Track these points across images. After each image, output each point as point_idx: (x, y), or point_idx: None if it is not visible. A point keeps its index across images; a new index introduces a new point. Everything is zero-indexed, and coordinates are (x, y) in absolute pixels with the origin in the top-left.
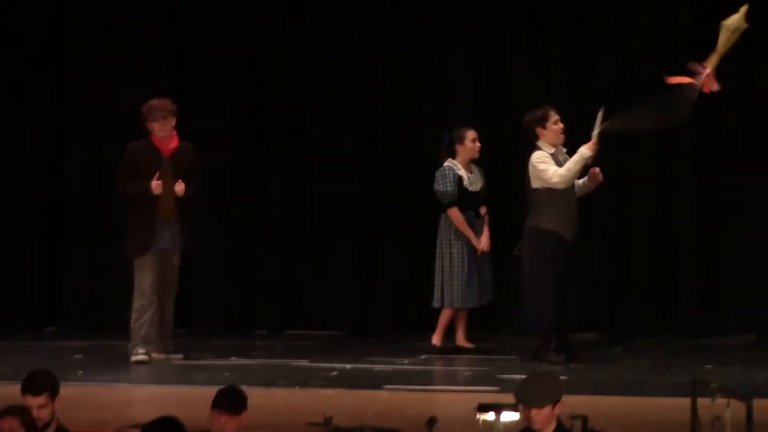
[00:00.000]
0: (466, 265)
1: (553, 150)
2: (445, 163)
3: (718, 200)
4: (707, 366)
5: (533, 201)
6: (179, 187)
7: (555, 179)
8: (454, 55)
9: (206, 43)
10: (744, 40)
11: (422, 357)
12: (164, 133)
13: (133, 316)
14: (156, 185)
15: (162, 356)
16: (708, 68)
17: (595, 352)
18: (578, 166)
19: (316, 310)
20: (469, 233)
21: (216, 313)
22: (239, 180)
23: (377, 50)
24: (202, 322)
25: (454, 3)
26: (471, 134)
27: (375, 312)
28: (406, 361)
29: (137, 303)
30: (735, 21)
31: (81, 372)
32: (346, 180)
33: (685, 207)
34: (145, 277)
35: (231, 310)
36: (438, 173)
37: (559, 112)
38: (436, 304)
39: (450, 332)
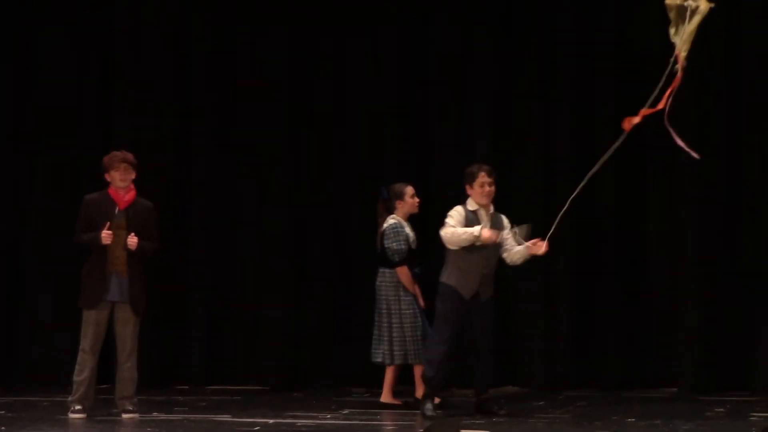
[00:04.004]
0: (419, 320)
1: (476, 208)
2: (393, 220)
3: (640, 254)
4: (629, 419)
5: (445, 254)
6: (131, 240)
7: (441, 232)
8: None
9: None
10: None
11: (344, 411)
12: (124, 183)
13: (76, 368)
14: (105, 235)
15: (128, 416)
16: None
17: (517, 406)
18: (463, 239)
19: (238, 365)
20: (416, 290)
21: (138, 368)
22: (162, 234)
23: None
24: None
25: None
26: (410, 190)
27: (298, 367)
28: (328, 416)
29: (80, 356)
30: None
31: (3, 428)
32: (272, 237)
33: (608, 260)
34: (89, 331)
35: (153, 365)
36: (390, 230)
37: (492, 174)
38: (382, 360)
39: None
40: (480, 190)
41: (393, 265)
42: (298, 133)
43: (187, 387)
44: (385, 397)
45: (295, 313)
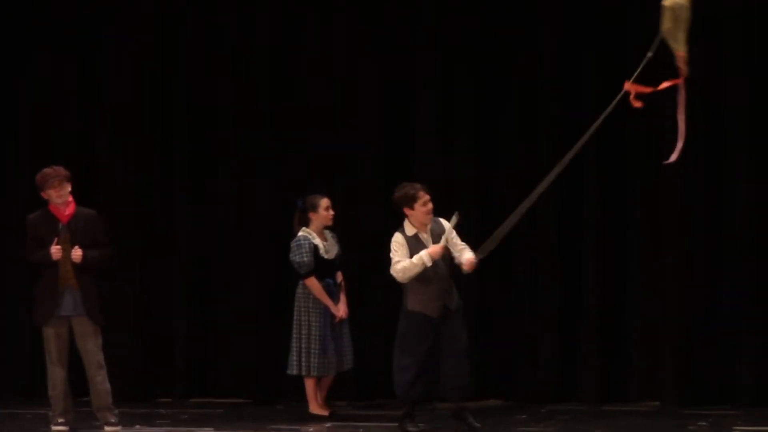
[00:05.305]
0: (320, 333)
1: (414, 231)
2: (300, 233)
3: (622, 267)
4: None
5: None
6: (75, 254)
7: (392, 272)
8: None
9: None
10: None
11: (327, 425)
12: (61, 199)
13: (49, 384)
14: (55, 251)
15: (111, 429)
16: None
17: (499, 419)
18: (416, 270)
19: (221, 377)
20: (328, 301)
21: (120, 381)
22: (145, 248)
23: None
24: None
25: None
26: (325, 202)
27: (280, 379)
28: (311, 429)
29: (49, 370)
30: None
31: None
32: (254, 250)
33: (589, 272)
34: (50, 346)
35: (136, 378)
36: (293, 244)
37: (428, 189)
38: (293, 371)
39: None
40: (424, 209)
41: (301, 277)
42: (279, 145)
43: (169, 399)
44: (312, 408)
45: (277, 325)
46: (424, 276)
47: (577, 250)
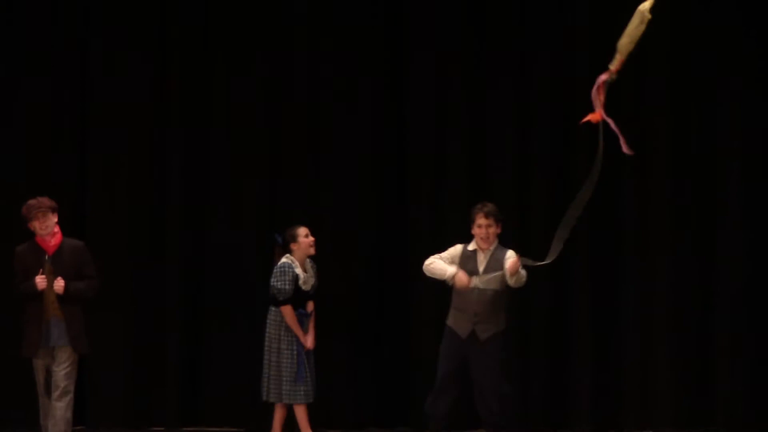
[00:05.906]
0: (295, 360)
1: (475, 248)
2: (284, 259)
3: (615, 296)
4: None
5: None
6: (57, 285)
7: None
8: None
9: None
10: None
11: None
12: (45, 231)
13: (40, 414)
14: (40, 280)
15: None
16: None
17: None
18: (436, 274)
19: (214, 406)
20: (299, 331)
21: (113, 410)
22: (137, 277)
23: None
24: (99, 418)
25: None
26: (303, 230)
27: (271, 408)
28: None
29: (40, 401)
30: (647, 7)
31: None
32: (246, 278)
33: (583, 302)
34: (39, 378)
35: (128, 407)
36: (277, 269)
37: (490, 215)
38: (270, 398)
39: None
40: (476, 231)
41: (278, 304)
42: (275, 159)
43: (162, 428)
44: None
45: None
46: (464, 296)
47: (568, 277)
